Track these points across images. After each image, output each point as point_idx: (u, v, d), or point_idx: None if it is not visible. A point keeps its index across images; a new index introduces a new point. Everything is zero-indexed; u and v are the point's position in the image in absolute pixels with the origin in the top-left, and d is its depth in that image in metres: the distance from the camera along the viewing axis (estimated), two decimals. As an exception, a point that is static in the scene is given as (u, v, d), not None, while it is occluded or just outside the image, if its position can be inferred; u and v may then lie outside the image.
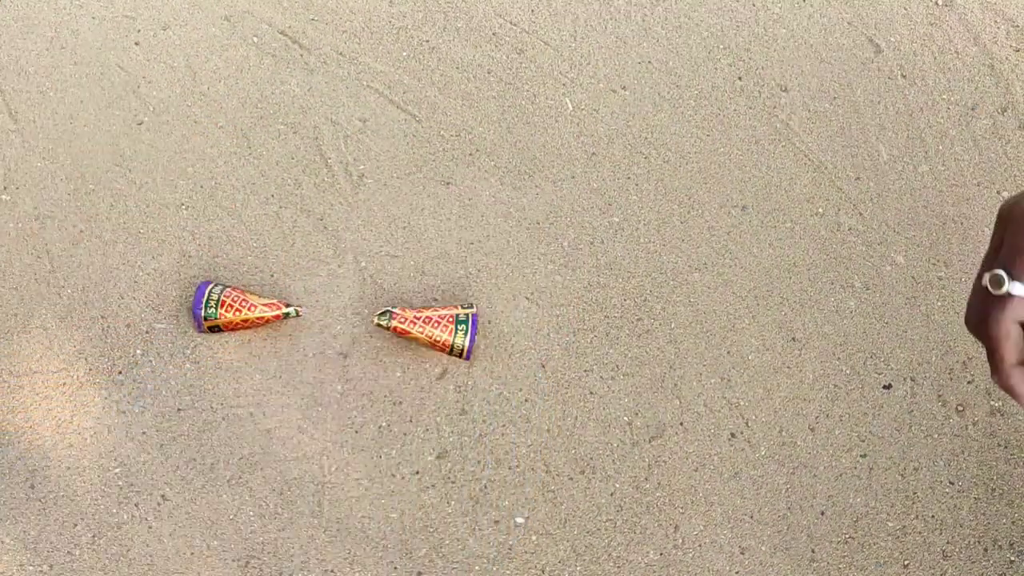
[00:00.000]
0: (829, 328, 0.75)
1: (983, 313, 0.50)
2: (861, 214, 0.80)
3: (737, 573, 0.67)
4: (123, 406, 0.68)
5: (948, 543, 0.68)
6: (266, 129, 0.79)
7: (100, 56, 0.81)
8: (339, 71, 0.82)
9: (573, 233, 0.77)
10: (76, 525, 0.65)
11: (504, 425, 0.70)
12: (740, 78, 0.86)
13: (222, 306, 0.68)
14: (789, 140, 0.81)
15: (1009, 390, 0.50)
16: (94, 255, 0.73)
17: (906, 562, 0.68)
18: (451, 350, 0.70)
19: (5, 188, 0.75)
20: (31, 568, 0.63)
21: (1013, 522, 0.70)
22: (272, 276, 0.74)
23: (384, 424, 0.70)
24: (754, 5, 0.90)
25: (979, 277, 0.51)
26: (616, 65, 0.85)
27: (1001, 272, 0.49)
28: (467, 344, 0.69)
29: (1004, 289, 0.48)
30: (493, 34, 0.85)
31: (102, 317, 0.71)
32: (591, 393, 0.72)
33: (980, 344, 0.75)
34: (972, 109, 0.83)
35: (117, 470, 0.67)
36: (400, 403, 0.70)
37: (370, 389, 0.71)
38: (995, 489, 0.71)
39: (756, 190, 0.80)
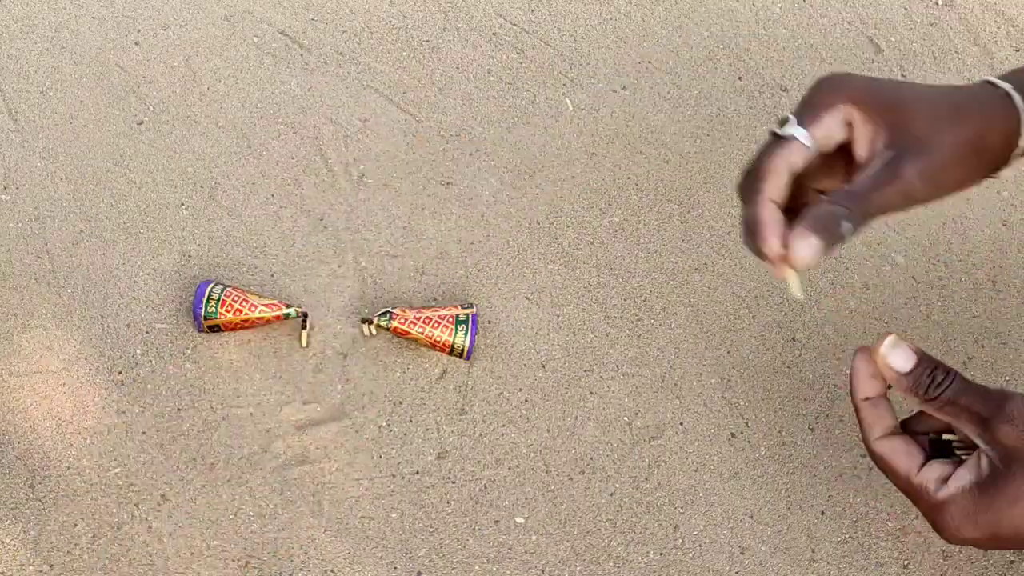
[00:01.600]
0: (829, 328, 0.75)
1: (763, 151, 0.52)
2: (861, 214, 0.79)
3: (737, 573, 0.67)
4: (123, 406, 0.68)
5: (948, 543, 0.68)
6: (266, 129, 0.79)
7: (100, 56, 0.81)
8: (339, 71, 0.82)
9: (573, 233, 0.77)
10: (76, 525, 0.65)
11: (504, 425, 0.70)
12: (740, 78, 0.86)
13: (222, 306, 0.68)
14: (789, 140, 0.81)
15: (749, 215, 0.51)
16: (94, 255, 0.73)
17: (906, 562, 0.68)
18: (451, 350, 0.70)
19: (5, 188, 0.75)
20: (31, 568, 0.63)
21: (1013, 522, 0.70)
22: (272, 276, 0.74)
23: (384, 424, 0.70)
24: (754, 5, 0.90)
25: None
26: (616, 65, 0.85)
27: (791, 116, 0.51)
28: (467, 344, 0.69)
29: (788, 131, 0.51)
30: (493, 34, 0.85)
31: (102, 317, 0.71)
32: (591, 393, 0.72)
33: (978, 344, 0.75)
34: (972, 109, 0.83)
35: (117, 470, 0.67)
36: (400, 403, 0.70)
37: (370, 389, 0.71)
38: (995, 489, 0.71)
39: (756, 190, 0.80)
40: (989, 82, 0.53)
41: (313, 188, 0.77)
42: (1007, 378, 0.75)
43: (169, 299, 0.72)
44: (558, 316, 0.74)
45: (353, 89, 0.81)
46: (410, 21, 0.85)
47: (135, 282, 0.72)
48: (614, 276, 0.76)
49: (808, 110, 0.51)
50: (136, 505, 0.66)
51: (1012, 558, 0.68)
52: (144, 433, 0.68)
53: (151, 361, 0.70)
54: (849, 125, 0.51)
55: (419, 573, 0.65)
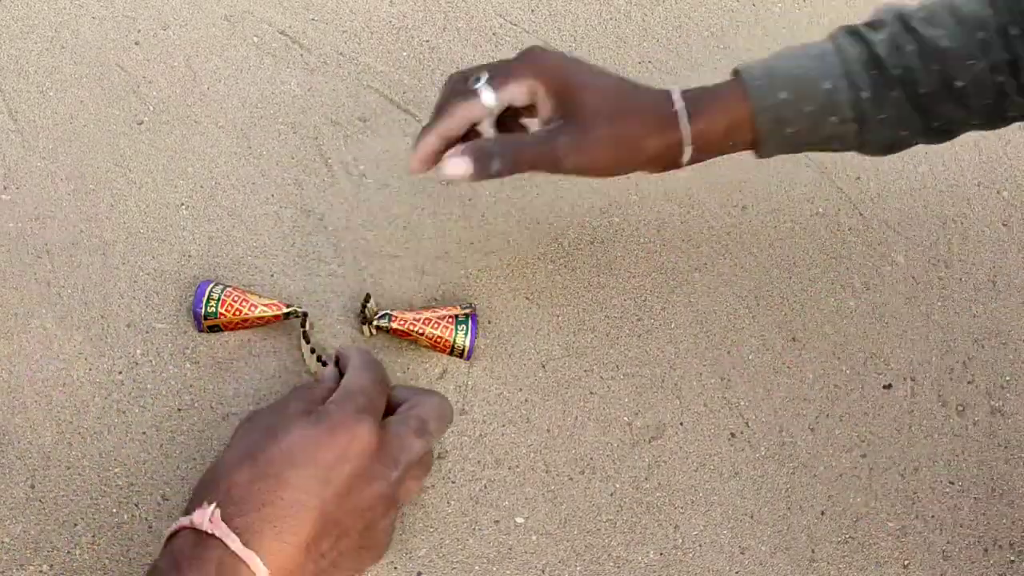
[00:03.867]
0: (829, 328, 0.75)
1: (452, 93, 0.59)
2: (861, 214, 0.80)
3: (737, 573, 0.67)
4: (123, 406, 0.68)
5: (948, 543, 0.68)
6: (266, 129, 0.79)
7: (100, 56, 0.81)
8: (339, 71, 0.82)
9: (573, 233, 0.77)
10: (76, 525, 0.65)
11: (504, 425, 0.70)
12: (740, 78, 0.86)
13: (222, 305, 0.68)
14: (789, 140, 0.81)
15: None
16: (94, 255, 0.73)
17: (906, 562, 0.68)
18: (451, 350, 0.70)
19: (5, 188, 0.75)
20: (31, 568, 0.63)
21: (1013, 522, 0.70)
22: (272, 276, 0.74)
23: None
24: (754, 5, 0.90)
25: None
26: (616, 65, 0.85)
27: (485, 74, 0.58)
28: (467, 344, 0.69)
29: (478, 88, 0.57)
30: (493, 34, 0.85)
31: (102, 317, 0.71)
32: (591, 393, 0.72)
33: (979, 344, 0.75)
34: (972, 109, 0.83)
35: (117, 470, 0.67)
36: (400, 403, 0.70)
37: (370, 389, 0.70)
38: (995, 489, 0.71)
39: (756, 190, 0.80)
40: (671, 95, 0.60)
41: (313, 188, 0.77)
42: (1007, 378, 0.75)
43: (169, 299, 0.72)
44: (558, 316, 0.74)
45: (353, 89, 0.81)
46: (410, 21, 0.85)
47: (135, 282, 0.72)
48: (614, 276, 0.76)
49: (501, 75, 0.58)
50: (136, 505, 0.66)
51: (1012, 558, 0.68)
52: (144, 433, 0.68)
53: (151, 361, 0.70)
54: (533, 94, 0.58)
55: (419, 573, 0.65)
